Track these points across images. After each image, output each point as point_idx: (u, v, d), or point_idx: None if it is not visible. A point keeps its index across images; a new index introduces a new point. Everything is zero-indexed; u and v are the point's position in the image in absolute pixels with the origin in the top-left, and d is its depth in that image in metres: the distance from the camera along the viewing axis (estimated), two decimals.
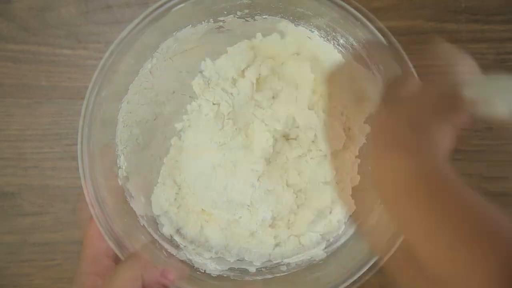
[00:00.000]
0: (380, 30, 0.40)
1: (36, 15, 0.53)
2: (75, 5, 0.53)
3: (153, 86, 0.48)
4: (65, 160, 0.53)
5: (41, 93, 0.53)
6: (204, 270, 0.46)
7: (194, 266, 0.46)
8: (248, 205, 0.48)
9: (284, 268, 0.47)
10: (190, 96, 0.49)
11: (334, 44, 0.47)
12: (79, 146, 0.40)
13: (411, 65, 0.40)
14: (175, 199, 0.49)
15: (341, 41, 0.45)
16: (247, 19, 0.46)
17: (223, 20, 0.46)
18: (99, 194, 0.40)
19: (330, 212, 0.48)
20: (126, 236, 0.40)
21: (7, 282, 0.52)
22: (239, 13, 0.45)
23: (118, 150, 0.46)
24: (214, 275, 0.46)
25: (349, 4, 0.40)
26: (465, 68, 0.29)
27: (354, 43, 0.44)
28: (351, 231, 0.48)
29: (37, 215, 0.53)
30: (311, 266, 0.46)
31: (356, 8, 0.40)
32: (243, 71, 0.48)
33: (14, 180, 0.53)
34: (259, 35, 0.48)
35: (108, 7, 0.53)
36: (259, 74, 0.47)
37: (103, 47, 0.52)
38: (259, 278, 0.46)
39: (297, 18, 0.45)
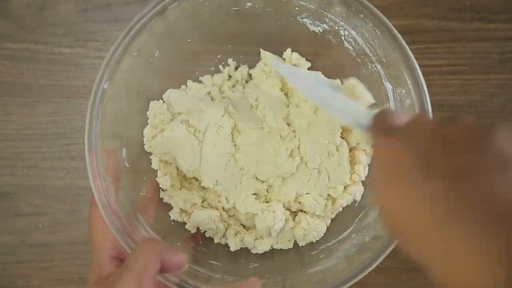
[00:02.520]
0: (386, 26, 0.39)
1: (34, 13, 0.52)
2: (74, 2, 0.52)
3: None
4: (63, 159, 0.52)
5: (39, 91, 0.52)
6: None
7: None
8: None
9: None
10: None
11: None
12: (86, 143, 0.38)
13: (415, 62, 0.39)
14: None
15: (344, 35, 0.45)
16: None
17: None
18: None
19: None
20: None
21: (4, 283, 0.52)
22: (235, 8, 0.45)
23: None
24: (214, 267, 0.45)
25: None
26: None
27: (357, 38, 0.43)
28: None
29: (34, 215, 0.52)
30: (308, 262, 0.45)
31: (362, 4, 0.39)
32: None
33: (12, 180, 0.52)
34: None
35: (107, 5, 0.52)
36: None
37: (102, 46, 0.52)
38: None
39: (299, 12, 0.45)
